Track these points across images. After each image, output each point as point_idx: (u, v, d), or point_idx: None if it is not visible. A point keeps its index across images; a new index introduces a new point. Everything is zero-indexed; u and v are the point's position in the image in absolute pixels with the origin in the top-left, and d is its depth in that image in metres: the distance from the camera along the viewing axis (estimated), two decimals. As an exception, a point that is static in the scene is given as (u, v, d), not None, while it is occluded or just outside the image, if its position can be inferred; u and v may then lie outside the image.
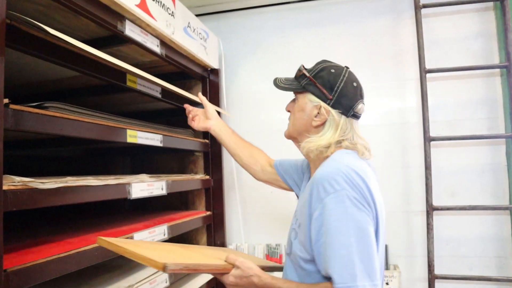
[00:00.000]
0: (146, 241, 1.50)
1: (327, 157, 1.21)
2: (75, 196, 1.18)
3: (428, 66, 2.26)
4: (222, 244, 2.30)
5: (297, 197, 1.58)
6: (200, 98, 1.80)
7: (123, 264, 1.74)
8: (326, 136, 1.21)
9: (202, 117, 1.78)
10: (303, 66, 1.31)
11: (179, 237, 2.09)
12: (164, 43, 1.79)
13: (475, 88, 2.32)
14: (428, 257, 2.17)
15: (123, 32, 1.48)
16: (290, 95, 2.48)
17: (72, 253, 1.17)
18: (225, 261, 1.16)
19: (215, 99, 2.33)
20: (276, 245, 2.42)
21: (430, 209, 2.18)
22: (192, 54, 2.02)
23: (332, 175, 1.08)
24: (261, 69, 2.62)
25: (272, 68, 2.60)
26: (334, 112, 1.22)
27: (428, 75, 2.27)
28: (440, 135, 2.26)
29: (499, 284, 2.21)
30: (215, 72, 2.34)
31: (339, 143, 1.22)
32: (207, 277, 2.18)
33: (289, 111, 1.37)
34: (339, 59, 2.48)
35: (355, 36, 2.49)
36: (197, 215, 2.13)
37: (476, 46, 2.32)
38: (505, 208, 2.17)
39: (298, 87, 1.29)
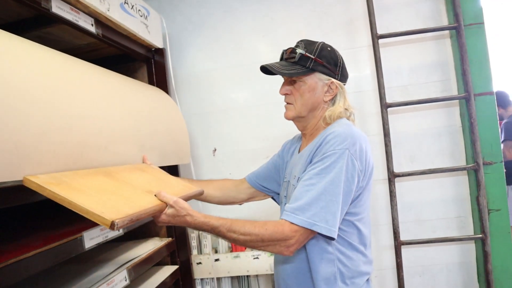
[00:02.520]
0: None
1: (329, 123, 1.35)
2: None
3: (379, 31, 2.22)
4: (184, 233, 2.19)
5: (273, 199, 1.71)
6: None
7: (74, 269, 1.60)
8: (340, 104, 1.36)
9: None
10: (303, 50, 1.34)
11: (137, 230, 1.97)
12: (100, 21, 1.62)
13: (426, 52, 2.31)
14: (393, 224, 2.17)
15: (49, 10, 1.31)
16: (243, 73, 2.42)
17: (8, 264, 1.03)
18: (160, 199, 1.17)
19: (162, 81, 2.18)
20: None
21: (392, 176, 2.17)
22: (132, 33, 1.86)
23: (345, 135, 1.21)
24: (208, 46, 2.49)
25: (221, 44, 2.48)
26: (341, 84, 1.36)
27: (380, 40, 2.22)
28: (396, 101, 2.24)
29: (461, 243, 2.26)
30: (160, 52, 2.18)
31: (346, 110, 1.37)
32: (171, 269, 2.08)
33: (286, 94, 1.41)
34: (290, 31, 2.44)
35: (304, 6, 2.40)
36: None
37: (425, 8, 2.30)
38: (463, 169, 2.19)
39: (306, 70, 1.33)
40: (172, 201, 1.15)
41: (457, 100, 2.26)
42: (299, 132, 1.58)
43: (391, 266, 2.27)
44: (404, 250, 2.21)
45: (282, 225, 1.15)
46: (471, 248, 2.26)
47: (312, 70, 1.32)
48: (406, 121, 2.31)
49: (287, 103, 1.41)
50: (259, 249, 1.19)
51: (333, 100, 1.37)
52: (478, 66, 2.17)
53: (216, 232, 1.16)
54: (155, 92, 2.05)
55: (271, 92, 2.35)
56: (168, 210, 1.15)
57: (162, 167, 1.91)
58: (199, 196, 1.56)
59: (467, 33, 2.15)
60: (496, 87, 2.18)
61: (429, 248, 2.28)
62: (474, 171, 2.16)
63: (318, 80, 1.34)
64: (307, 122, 1.41)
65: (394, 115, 2.28)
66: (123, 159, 1.43)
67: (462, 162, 2.27)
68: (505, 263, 2.12)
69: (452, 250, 2.28)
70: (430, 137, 2.30)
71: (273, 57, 1.50)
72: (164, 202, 1.16)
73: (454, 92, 2.28)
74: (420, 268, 2.30)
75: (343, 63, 1.38)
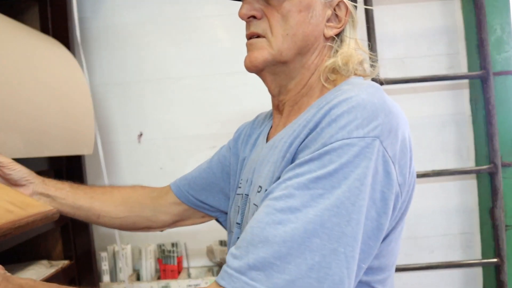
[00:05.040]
0: None
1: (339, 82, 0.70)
2: None
3: (374, -18, 1.63)
4: (88, 252, 1.52)
5: (219, 222, 1.00)
6: None
7: None
8: (352, 45, 0.71)
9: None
10: None
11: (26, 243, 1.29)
12: None
13: (431, 15, 1.76)
14: (383, 244, 1.60)
15: None
16: (185, 31, 1.77)
17: None
18: None
19: (61, 31, 1.51)
20: (173, 245, 1.68)
21: (384, 179, 1.60)
22: None
23: (373, 107, 0.57)
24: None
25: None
26: (354, 8, 0.72)
27: (374, -6, 1.64)
28: (390, 77, 1.66)
29: (466, 268, 1.74)
30: (62, -10, 1.50)
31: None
32: None
33: (253, 16, 0.71)
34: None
35: None
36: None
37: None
38: (477, 172, 1.66)
39: None
40: None
41: (467, 81, 1.73)
42: (267, 110, 0.93)
43: (377, 299, 1.71)
44: (397, 276, 1.65)
45: None
46: (477, 274, 1.74)
47: None
48: (402, 105, 1.74)
49: (253, 36, 0.72)
50: None
51: (339, 38, 0.72)
52: (500, 36, 1.65)
53: None
54: (45, 43, 1.36)
55: (222, 58, 1.73)
56: None
57: (53, 158, 1.25)
58: (49, 221, 0.79)
59: (488, -10, 1.63)
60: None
61: (426, 273, 1.74)
62: (489, 175, 1.63)
63: None
64: (290, 77, 0.73)
65: (386, 97, 1.71)
66: None
67: (470, 163, 1.74)
68: (524, 297, 1.63)
69: (452, 275, 1.76)
70: (431, 127, 1.76)
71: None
72: None
73: (464, 70, 1.74)
74: (412, 299, 1.76)
75: None
